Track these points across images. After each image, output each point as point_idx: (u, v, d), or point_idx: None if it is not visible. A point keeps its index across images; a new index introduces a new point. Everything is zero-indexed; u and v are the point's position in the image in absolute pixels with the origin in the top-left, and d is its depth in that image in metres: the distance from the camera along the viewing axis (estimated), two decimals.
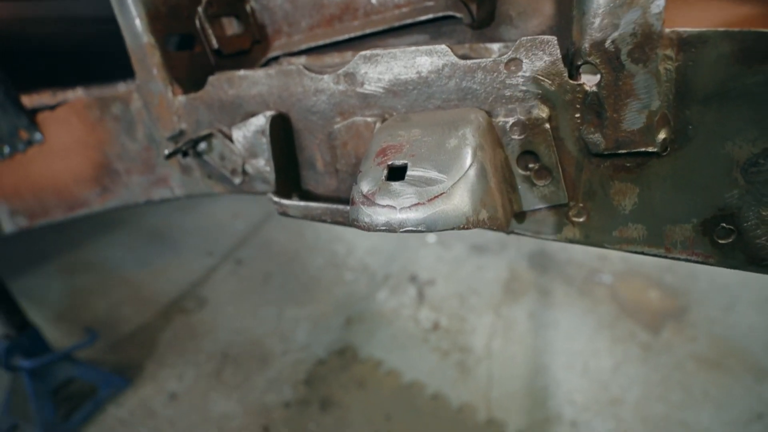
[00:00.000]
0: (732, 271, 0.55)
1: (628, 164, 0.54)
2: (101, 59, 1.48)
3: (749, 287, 2.20)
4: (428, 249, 2.76)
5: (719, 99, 0.47)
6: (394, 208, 0.48)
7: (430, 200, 0.47)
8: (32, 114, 1.13)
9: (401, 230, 0.48)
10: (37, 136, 1.14)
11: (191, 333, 2.28)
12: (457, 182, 0.47)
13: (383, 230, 0.49)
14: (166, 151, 0.81)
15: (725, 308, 2.11)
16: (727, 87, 0.47)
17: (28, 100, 1.31)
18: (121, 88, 1.64)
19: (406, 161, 0.51)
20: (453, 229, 0.47)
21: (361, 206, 0.50)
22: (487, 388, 1.85)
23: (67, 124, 1.10)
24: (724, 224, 0.52)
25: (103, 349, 2.16)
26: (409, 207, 0.47)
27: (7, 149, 1.16)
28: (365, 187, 0.51)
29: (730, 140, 0.48)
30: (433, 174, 0.48)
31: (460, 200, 0.47)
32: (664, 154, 0.52)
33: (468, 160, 0.49)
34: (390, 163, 0.51)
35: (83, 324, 2.33)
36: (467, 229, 0.48)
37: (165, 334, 2.27)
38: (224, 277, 2.71)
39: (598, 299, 2.24)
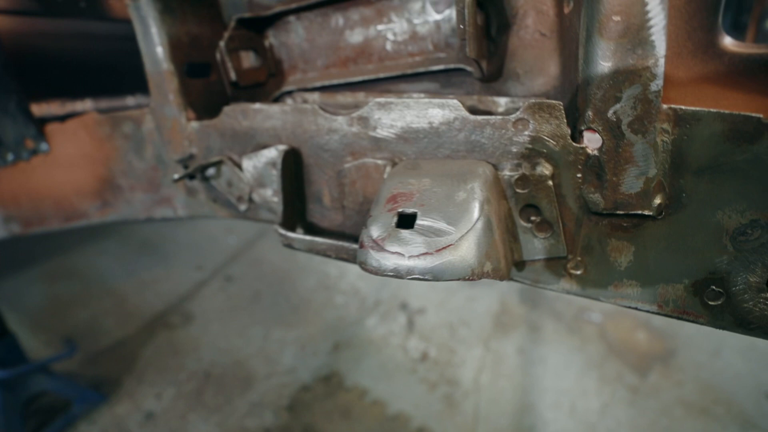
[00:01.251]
0: None
1: (625, 224, 0.57)
2: (110, 72, 1.51)
3: (735, 334, 2.23)
4: None
5: (711, 171, 0.51)
6: (403, 255, 0.49)
7: (438, 251, 0.49)
8: (41, 124, 1.14)
9: (408, 277, 0.49)
10: (44, 146, 1.14)
11: (174, 350, 2.22)
12: (465, 235, 0.49)
13: (390, 275, 0.50)
14: (176, 175, 0.82)
15: (712, 353, 2.14)
16: (718, 161, 0.50)
17: (37, 109, 1.32)
18: (129, 101, 1.66)
19: (416, 210, 0.53)
20: (458, 279, 0.49)
21: (371, 250, 0.51)
22: (473, 423, 1.82)
23: (75, 138, 1.11)
24: (714, 287, 0.54)
25: (80, 361, 2.09)
26: (417, 256, 0.49)
27: (11, 156, 1.16)
28: (375, 232, 0.52)
29: (720, 210, 0.52)
30: (442, 225, 0.50)
31: (466, 253, 0.49)
32: (659, 217, 0.55)
33: (476, 214, 0.51)
34: (400, 210, 0.53)
35: (63, 334, 2.26)
36: (471, 280, 0.49)
37: (146, 350, 2.21)
38: (212, 294, 2.67)
39: (586, 337, 2.25)
